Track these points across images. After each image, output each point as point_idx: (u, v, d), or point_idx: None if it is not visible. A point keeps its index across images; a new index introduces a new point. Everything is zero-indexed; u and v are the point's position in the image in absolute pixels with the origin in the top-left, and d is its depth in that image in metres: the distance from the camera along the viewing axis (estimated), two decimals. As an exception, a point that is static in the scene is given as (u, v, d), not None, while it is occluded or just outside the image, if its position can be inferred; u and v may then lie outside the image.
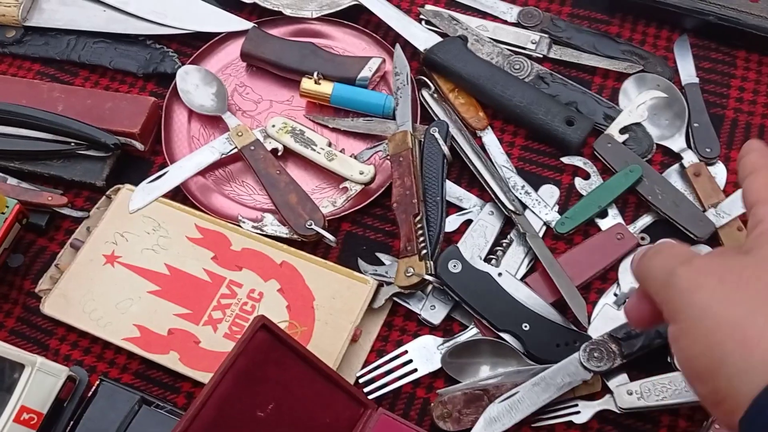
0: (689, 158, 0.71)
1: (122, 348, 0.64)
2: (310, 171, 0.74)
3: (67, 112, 0.73)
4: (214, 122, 0.76)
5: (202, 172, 0.72)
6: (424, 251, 0.64)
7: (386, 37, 0.80)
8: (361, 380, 0.64)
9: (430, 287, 0.65)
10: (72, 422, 0.59)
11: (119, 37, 0.81)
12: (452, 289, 0.63)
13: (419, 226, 0.65)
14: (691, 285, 0.40)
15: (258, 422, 0.56)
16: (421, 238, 0.64)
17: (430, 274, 0.63)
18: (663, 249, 0.44)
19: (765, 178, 0.43)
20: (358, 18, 0.82)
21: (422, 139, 0.71)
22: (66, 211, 0.70)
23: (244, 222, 0.69)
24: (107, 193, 0.70)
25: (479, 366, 0.63)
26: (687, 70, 0.77)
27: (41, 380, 0.57)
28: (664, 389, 0.59)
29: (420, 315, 0.65)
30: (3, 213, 0.65)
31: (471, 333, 0.64)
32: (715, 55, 0.78)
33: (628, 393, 0.60)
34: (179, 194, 0.71)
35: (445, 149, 0.70)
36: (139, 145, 0.72)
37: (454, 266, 0.64)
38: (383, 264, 0.68)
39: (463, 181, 0.73)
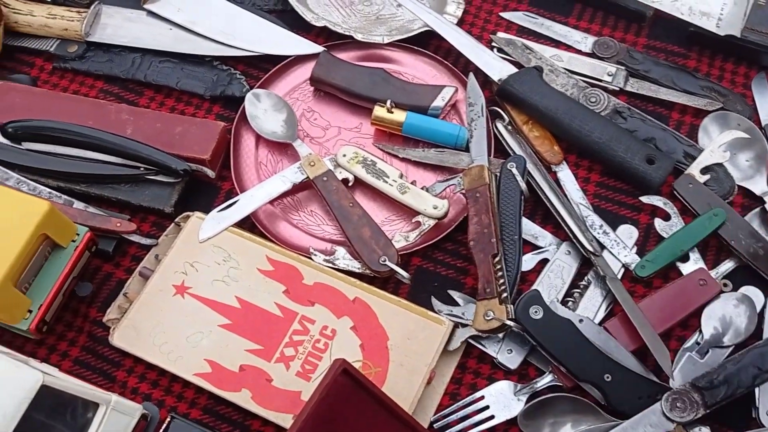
0: (774, 202, 0.69)
1: (192, 383, 0.63)
2: (379, 202, 0.72)
3: (136, 136, 0.71)
4: (282, 148, 0.75)
5: (270, 201, 0.71)
6: (504, 294, 0.62)
7: (456, 64, 0.79)
8: (435, 425, 0.62)
9: (507, 330, 0.63)
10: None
11: (186, 57, 0.79)
12: (533, 336, 0.61)
13: (498, 267, 0.63)
14: None
15: (336, 469, 0.55)
16: (501, 280, 0.63)
17: (511, 319, 0.61)
18: None
19: None
20: (428, 44, 0.80)
21: (498, 174, 0.69)
22: (134, 238, 0.68)
23: (315, 255, 0.67)
24: (176, 220, 0.69)
25: (556, 424, 0.61)
26: (766, 110, 0.75)
27: (115, 419, 0.56)
28: (752, 447, 0.57)
29: (496, 359, 0.64)
30: (74, 241, 0.64)
31: (548, 379, 0.63)
32: (797, 93, 0.76)
33: (713, 449, 0.58)
34: (247, 221, 0.70)
35: (523, 186, 0.68)
36: (210, 172, 0.70)
37: (536, 312, 0.62)
38: (456, 302, 0.67)
39: (537, 217, 0.71)
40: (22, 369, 0.53)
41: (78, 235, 0.64)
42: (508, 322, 0.61)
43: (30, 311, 0.61)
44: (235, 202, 0.69)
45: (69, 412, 0.55)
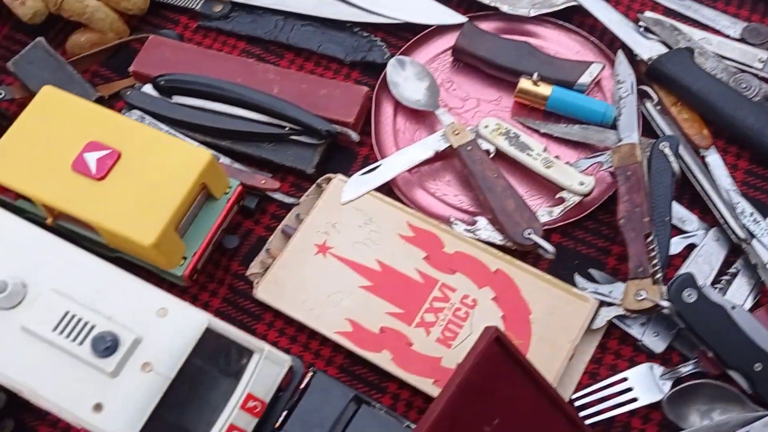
0: None
1: (330, 341, 0.63)
2: (519, 176, 0.71)
3: (282, 96, 0.72)
4: (419, 117, 0.75)
5: (408, 170, 0.71)
6: (658, 275, 0.60)
7: (601, 40, 0.77)
8: (575, 403, 0.61)
9: (653, 313, 0.62)
10: (287, 413, 0.58)
11: (327, 22, 0.80)
12: (685, 319, 0.60)
13: (651, 247, 0.62)
14: None
15: (484, 437, 0.55)
16: (654, 260, 0.61)
17: (666, 300, 0.59)
18: None
19: None
20: (573, 18, 0.78)
21: (648, 154, 0.67)
22: (278, 196, 0.69)
23: (456, 224, 0.67)
24: (318, 181, 0.69)
25: (702, 411, 0.60)
26: None
27: (267, 368, 0.56)
28: None
29: (641, 341, 0.62)
30: (226, 193, 0.65)
31: (692, 366, 0.61)
32: None
33: None
34: (385, 187, 0.70)
35: (676, 167, 0.66)
36: (354, 135, 0.70)
37: (689, 295, 0.60)
38: (596, 281, 0.65)
39: (683, 201, 0.69)
40: (190, 310, 0.54)
41: (230, 188, 0.65)
42: (663, 303, 0.59)
43: (185, 258, 0.62)
44: (377, 167, 0.69)
45: (225, 358, 0.56)
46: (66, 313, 0.53)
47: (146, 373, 0.52)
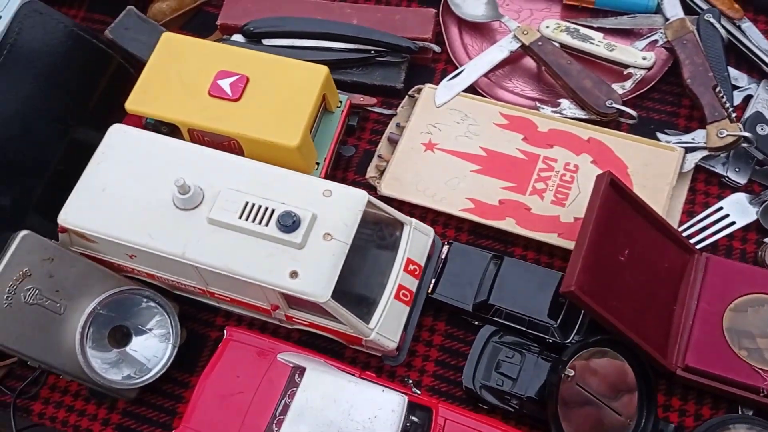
0: None
1: (452, 221, 0.71)
2: (584, 65, 0.79)
3: (362, 25, 0.79)
4: (483, 31, 0.83)
5: (486, 73, 0.79)
6: (733, 114, 0.69)
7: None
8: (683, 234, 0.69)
9: (730, 153, 0.71)
10: (434, 278, 0.65)
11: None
12: (762, 150, 0.69)
13: (721, 95, 0.70)
14: None
15: (622, 265, 0.62)
16: (727, 104, 0.70)
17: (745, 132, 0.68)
18: None
19: None
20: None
21: (696, 27, 0.76)
22: (377, 109, 0.76)
23: (543, 107, 0.75)
24: (410, 92, 0.77)
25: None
26: None
27: (417, 237, 0.64)
28: None
29: (726, 176, 0.71)
30: (339, 107, 0.72)
31: (772, 192, 0.70)
32: None
33: None
34: (469, 90, 0.77)
35: (722, 31, 0.75)
36: (435, 47, 0.78)
37: (762, 129, 0.69)
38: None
39: (730, 63, 0.78)
40: (350, 189, 0.61)
41: (341, 102, 0.72)
42: (745, 134, 0.68)
43: (317, 164, 0.69)
44: (462, 71, 0.77)
45: (382, 231, 0.63)
46: (246, 204, 0.59)
47: (328, 242, 0.58)
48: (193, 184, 0.60)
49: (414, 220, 0.64)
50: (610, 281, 0.61)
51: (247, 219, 0.59)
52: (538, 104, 0.76)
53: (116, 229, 0.61)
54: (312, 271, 0.57)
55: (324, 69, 0.68)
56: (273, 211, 0.59)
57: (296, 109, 0.66)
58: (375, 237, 0.63)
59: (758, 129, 0.69)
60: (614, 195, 0.63)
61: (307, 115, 0.65)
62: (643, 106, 0.77)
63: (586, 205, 0.63)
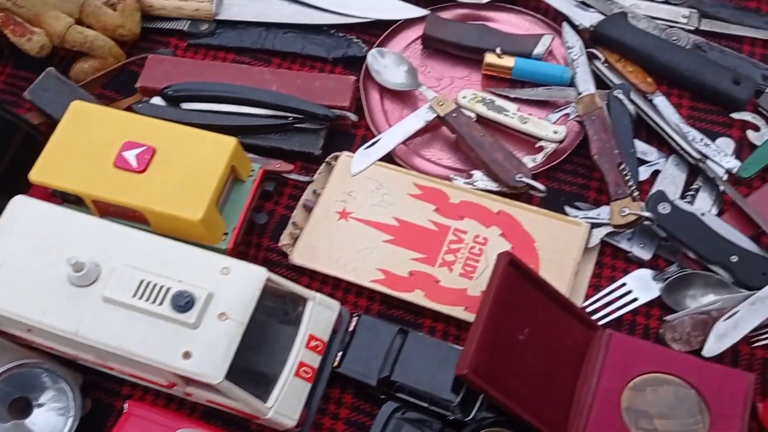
0: None
1: (364, 292, 0.71)
2: (499, 136, 0.80)
3: (281, 91, 0.80)
4: (403, 98, 0.84)
5: (404, 141, 0.80)
6: (636, 193, 0.71)
7: (546, 17, 0.88)
8: (586, 310, 0.70)
9: (634, 229, 0.72)
10: (342, 353, 0.65)
11: (306, 27, 0.88)
12: (664, 227, 0.70)
13: (625, 172, 0.72)
14: None
15: (521, 344, 0.63)
16: (630, 182, 0.71)
17: (646, 211, 0.70)
18: None
19: None
20: (516, 2, 0.90)
21: (606, 102, 0.78)
22: (293, 176, 0.77)
23: (456, 179, 0.76)
24: (327, 159, 0.77)
25: (695, 296, 0.70)
26: (828, 35, 0.85)
27: (321, 312, 0.64)
28: None
29: (630, 252, 0.72)
30: (250, 176, 0.72)
31: (675, 267, 0.71)
32: None
33: (839, 306, 0.67)
34: (386, 158, 0.78)
35: (631, 107, 0.77)
36: (353, 116, 0.79)
37: (663, 208, 0.71)
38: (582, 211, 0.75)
39: (641, 138, 0.80)
40: (250, 266, 0.61)
41: (253, 170, 0.72)
42: (645, 213, 0.69)
43: (226, 233, 0.69)
44: (378, 140, 0.78)
45: (284, 307, 0.63)
46: (141, 281, 0.59)
47: (224, 322, 0.58)
48: (90, 260, 0.59)
49: (318, 295, 0.64)
50: (507, 361, 0.61)
51: (141, 297, 0.58)
52: (452, 175, 0.77)
53: (11, 305, 0.60)
54: (206, 352, 0.57)
55: (232, 141, 0.68)
56: (168, 289, 0.58)
57: (202, 181, 0.66)
58: (277, 313, 0.62)
59: (660, 208, 0.71)
60: (514, 274, 0.64)
61: (212, 188, 0.66)
62: (555, 177, 0.79)
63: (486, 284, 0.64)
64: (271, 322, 0.62)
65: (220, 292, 0.59)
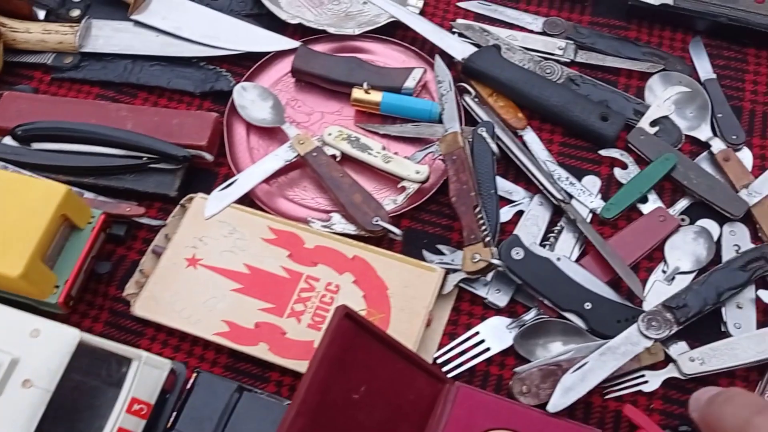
0: (717, 145, 0.77)
1: (211, 344, 0.68)
2: (365, 175, 0.78)
3: (137, 130, 0.77)
4: (271, 134, 0.81)
5: (267, 180, 0.77)
6: (488, 239, 0.69)
7: (422, 49, 0.86)
8: (437, 361, 0.68)
9: (492, 273, 0.71)
10: (176, 411, 0.62)
11: (173, 60, 0.86)
12: (517, 274, 0.68)
13: (480, 216, 0.70)
14: None
15: (355, 404, 0.60)
16: (483, 227, 0.70)
17: (496, 259, 0.68)
18: (733, 398, 0.46)
19: (741, 408, 0.46)
20: (395, 33, 0.88)
21: (470, 140, 0.76)
22: (144, 220, 0.74)
23: (313, 222, 0.74)
24: (181, 202, 0.74)
25: (547, 345, 0.68)
26: (704, 68, 0.84)
27: (148, 373, 0.61)
28: (722, 354, 0.65)
29: (486, 299, 0.70)
30: (90, 223, 0.69)
31: (534, 313, 0.69)
32: (728, 53, 0.86)
33: (690, 360, 0.66)
34: (247, 200, 0.76)
35: (494, 146, 0.75)
36: (208, 156, 0.76)
37: (517, 253, 0.69)
38: (443, 254, 0.73)
39: (510, 176, 0.78)
40: (61, 327, 0.58)
41: (93, 217, 0.69)
42: (494, 262, 0.68)
43: (57, 287, 0.66)
44: (234, 181, 0.75)
45: (105, 368, 0.60)
46: (-59, 346, 0.56)
47: (27, 389, 0.55)
48: None
49: (145, 354, 0.61)
50: (336, 424, 0.59)
51: (-59, 365, 0.55)
52: (310, 218, 0.75)
53: None
54: (6, 422, 0.54)
55: (62, 189, 0.65)
56: (-30, 355, 0.55)
57: (25, 233, 0.63)
58: (96, 375, 0.59)
59: (513, 253, 0.69)
60: (351, 328, 0.62)
61: (35, 241, 0.62)
62: (419, 218, 0.76)
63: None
64: (87, 386, 0.59)
65: (26, 357, 0.56)
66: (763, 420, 0.44)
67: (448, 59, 0.84)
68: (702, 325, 0.67)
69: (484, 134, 0.76)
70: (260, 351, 0.67)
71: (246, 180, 0.76)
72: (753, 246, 0.72)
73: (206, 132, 0.77)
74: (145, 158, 0.76)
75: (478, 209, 0.71)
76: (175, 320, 0.68)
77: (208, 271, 0.71)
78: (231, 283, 0.70)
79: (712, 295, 0.67)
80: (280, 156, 0.77)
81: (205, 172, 0.79)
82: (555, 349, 0.68)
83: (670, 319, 0.66)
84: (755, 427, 0.43)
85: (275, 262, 0.71)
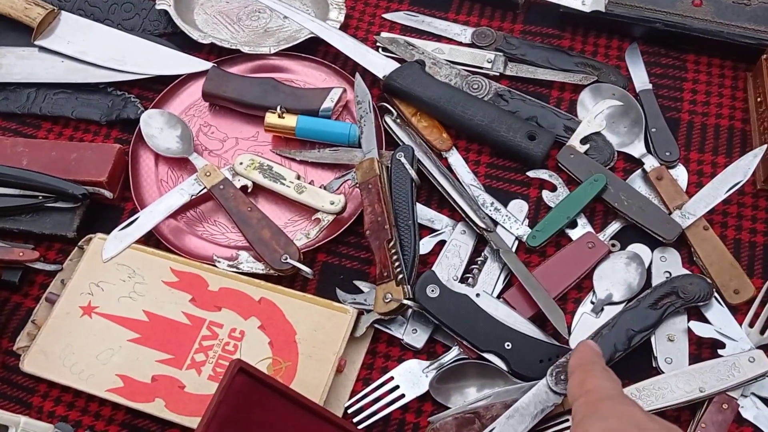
0: (650, 163, 0.73)
1: (107, 400, 0.63)
2: (281, 205, 0.74)
3: (33, 166, 0.72)
4: (181, 164, 0.77)
5: (174, 215, 0.72)
6: (401, 276, 0.64)
7: (345, 66, 0.81)
8: (349, 411, 0.64)
9: (410, 311, 0.66)
10: (61, 480, 0.58)
11: (80, 86, 0.81)
12: (432, 313, 0.64)
13: (393, 251, 0.66)
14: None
15: (253, 466, 0.56)
16: (397, 264, 0.65)
17: (409, 299, 0.63)
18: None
19: (576, 386, 0.54)
20: (316, 50, 0.83)
21: (389, 165, 0.72)
22: (39, 265, 0.69)
23: (219, 261, 0.69)
24: (79, 243, 0.70)
25: (466, 389, 0.64)
26: (640, 77, 0.79)
27: (26, 440, 0.56)
28: (648, 395, 0.61)
29: (402, 340, 0.66)
30: (-27, 273, 0.64)
31: (454, 353, 0.65)
32: (666, 60, 0.81)
33: (616, 400, 0.61)
34: (152, 239, 0.71)
35: (413, 173, 0.71)
36: (107, 193, 0.71)
37: (432, 291, 0.64)
38: (362, 292, 0.69)
39: (433, 202, 0.74)
40: None
41: (-23, 267, 0.65)
42: (406, 302, 0.63)
43: (-67, 346, 0.61)
44: (135, 220, 0.71)
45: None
46: None
47: None
48: None
49: (23, 420, 0.57)
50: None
51: None
52: (215, 256, 0.70)
53: None
54: None
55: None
56: None
57: None
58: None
59: (429, 291, 0.64)
60: (248, 384, 0.57)
61: None
62: (336, 251, 0.72)
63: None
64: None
65: None
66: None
67: (371, 77, 0.79)
68: (632, 359, 0.63)
69: (403, 160, 0.71)
70: (156, 408, 0.62)
71: (148, 218, 0.71)
72: (673, 276, 0.67)
73: (106, 166, 0.73)
74: (40, 197, 0.71)
75: (392, 243, 0.66)
76: (66, 377, 0.64)
77: (103, 319, 0.66)
78: (128, 332, 0.65)
79: (623, 339, 0.63)
80: (185, 190, 0.72)
81: (108, 209, 0.74)
82: (472, 394, 0.63)
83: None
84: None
85: (176, 308, 0.66)
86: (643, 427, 0.47)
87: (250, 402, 0.57)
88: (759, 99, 0.75)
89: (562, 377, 0.57)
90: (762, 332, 0.64)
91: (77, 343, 0.65)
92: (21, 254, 0.69)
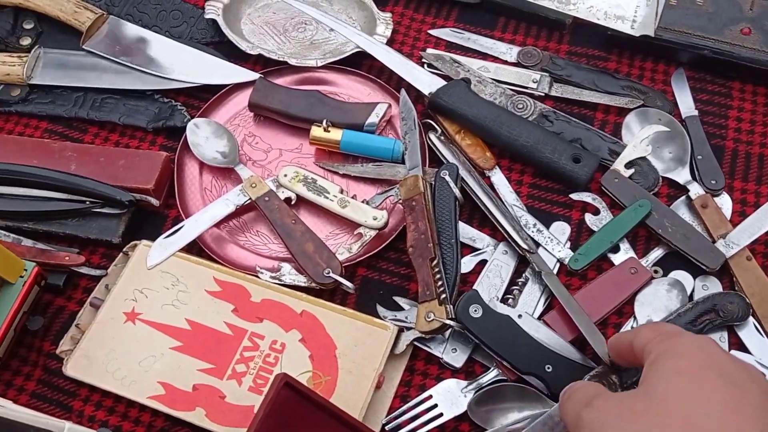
0: (695, 190, 0.73)
1: (147, 406, 0.64)
2: (323, 218, 0.74)
3: (80, 171, 0.73)
4: (225, 173, 0.77)
5: (217, 224, 0.73)
6: (443, 295, 0.64)
7: (390, 81, 0.82)
8: (387, 427, 0.64)
9: (450, 330, 0.66)
10: (102, 485, 0.59)
11: (127, 92, 0.81)
12: (474, 334, 0.64)
13: (436, 270, 0.66)
14: (594, 426, 0.45)
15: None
16: (439, 282, 0.65)
17: (451, 319, 0.63)
18: (572, 394, 0.50)
19: (648, 330, 0.50)
20: (361, 64, 0.83)
21: (433, 182, 0.72)
22: (84, 270, 0.70)
23: (262, 273, 0.69)
24: (124, 249, 0.70)
25: (505, 412, 0.64)
26: (686, 103, 0.79)
27: (70, 446, 0.57)
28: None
29: (442, 359, 0.66)
30: (22, 276, 0.65)
31: (493, 374, 0.65)
32: (711, 87, 0.80)
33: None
34: (195, 247, 0.72)
35: (457, 192, 0.71)
36: (154, 201, 0.72)
37: (475, 311, 0.64)
38: (402, 308, 0.69)
39: (475, 221, 0.74)
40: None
41: (26, 270, 0.65)
42: (448, 322, 0.63)
43: (-19, 348, 0.62)
44: (180, 228, 0.71)
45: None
46: None
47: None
48: None
49: (68, 425, 0.57)
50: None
51: None
52: (258, 267, 0.70)
53: None
54: None
55: (-15, 246, 0.62)
56: None
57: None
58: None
59: (471, 311, 0.64)
60: (292, 398, 0.58)
61: (-44, 302, 0.59)
62: (376, 266, 0.72)
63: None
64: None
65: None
66: (589, 412, 0.46)
67: (415, 93, 0.79)
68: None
69: (447, 178, 0.71)
70: (196, 417, 0.63)
71: (192, 227, 0.71)
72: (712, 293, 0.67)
73: (153, 174, 0.73)
74: (87, 202, 0.72)
75: (435, 262, 0.66)
76: (108, 382, 0.64)
77: (147, 326, 0.67)
78: (170, 340, 0.66)
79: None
80: (230, 200, 0.73)
81: (153, 216, 0.75)
82: (511, 416, 0.63)
83: (615, 382, 0.61)
84: (584, 420, 0.46)
85: (218, 318, 0.67)
86: (722, 365, 0.44)
87: (294, 416, 0.57)
88: (807, 130, 0.74)
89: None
90: (806, 367, 0.63)
91: (120, 348, 0.65)
92: (66, 258, 0.70)
